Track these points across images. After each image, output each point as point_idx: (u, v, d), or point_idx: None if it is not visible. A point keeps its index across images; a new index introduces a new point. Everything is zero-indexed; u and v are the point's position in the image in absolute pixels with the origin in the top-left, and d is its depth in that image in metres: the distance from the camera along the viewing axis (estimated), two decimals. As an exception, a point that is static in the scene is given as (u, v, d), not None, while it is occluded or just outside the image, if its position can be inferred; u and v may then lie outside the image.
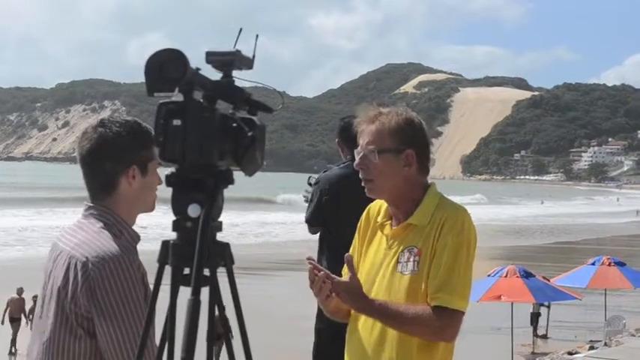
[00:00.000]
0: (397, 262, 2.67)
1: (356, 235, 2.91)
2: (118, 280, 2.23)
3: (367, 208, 2.90)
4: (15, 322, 15.76)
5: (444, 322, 2.58)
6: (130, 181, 2.38)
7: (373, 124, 2.70)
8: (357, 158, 2.73)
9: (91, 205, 2.41)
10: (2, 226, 31.86)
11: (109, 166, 2.37)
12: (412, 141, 2.69)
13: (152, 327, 2.12)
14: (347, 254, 2.71)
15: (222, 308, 1.79)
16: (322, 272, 2.62)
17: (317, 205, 4.93)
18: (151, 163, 2.41)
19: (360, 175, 2.73)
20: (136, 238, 2.40)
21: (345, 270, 2.72)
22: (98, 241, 2.30)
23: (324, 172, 5.07)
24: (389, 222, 2.77)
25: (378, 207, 2.84)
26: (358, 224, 2.91)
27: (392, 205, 2.75)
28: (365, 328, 2.73)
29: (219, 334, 1.80)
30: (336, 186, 4.82)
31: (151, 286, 1.94)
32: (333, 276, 2.63)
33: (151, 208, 2.48)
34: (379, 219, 2.81)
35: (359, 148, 2.73)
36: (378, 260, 2.74)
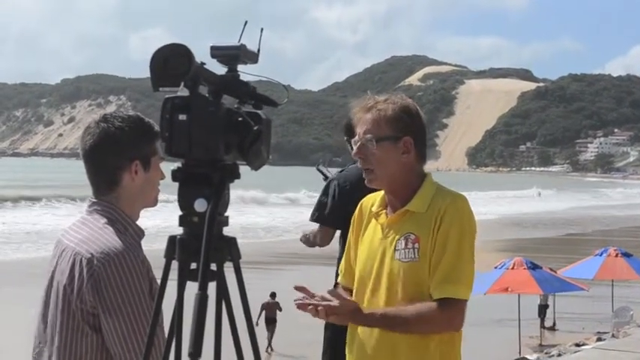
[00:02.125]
0: (395, 249, 2.65)
1: (350, 233, 2.88)
2: (123, 276, 2.23)
3: (360, 203, 2.88)
4: None
5: (451, 312, 2.58)
6: (133, 177, 2.38)
7: (369, 112, 2.69)
8: (354, 148, 2.71)
9: (95, 200, 2.41)
10: (12, 224, 31.83)
11: (111, 162, 2.36)
12: (409, 128, 2.68)
13: (159, 322, 2.12)
14: (329, 289, 2.65)
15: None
16: (311, 306, 2.56)
17: (336, 204, 4.77)
18: (153, 158, 2.41)
19: (358, 165, 2.72)
20: (140, 233, 2.40)
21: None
22: (102, 237, 2.30)
23: (341, 171, 4.98)
24: (384, 211, 2.76)
25: (372, 201, 2.83)
26: (352, 220, 2.88)
27: (390, 193, 2.74)
28: (364, 331, 2.70)
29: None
30: (356, 185, 4.69)
31: (158, 281, 1.93)
32: (325, 303, 2.56)
33: (153, 204, 2.48)
34: (373, 209, 2.79)
35: (356, 137, 2.71)
36: (374, 249, 2.72)
